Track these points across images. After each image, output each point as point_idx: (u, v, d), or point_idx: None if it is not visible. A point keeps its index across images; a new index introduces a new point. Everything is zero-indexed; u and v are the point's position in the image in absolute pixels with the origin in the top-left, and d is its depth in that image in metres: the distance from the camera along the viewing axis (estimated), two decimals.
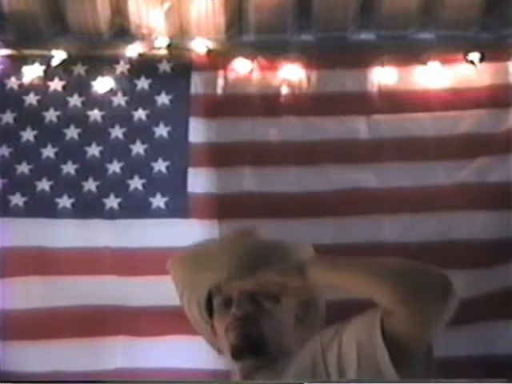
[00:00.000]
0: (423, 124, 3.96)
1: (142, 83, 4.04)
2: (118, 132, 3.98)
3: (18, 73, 4.03)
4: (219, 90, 4.03)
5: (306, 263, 1.93)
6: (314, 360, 1.86)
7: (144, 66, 4.05)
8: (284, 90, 4.02)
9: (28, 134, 3.96)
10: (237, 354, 1.98)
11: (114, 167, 3.93)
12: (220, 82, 4.04)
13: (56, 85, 4.04)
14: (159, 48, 4.04)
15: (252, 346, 1.96)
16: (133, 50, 4.04)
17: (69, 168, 3.92)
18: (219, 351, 2.12)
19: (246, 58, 4.04)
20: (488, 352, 3.60)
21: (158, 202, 3.86)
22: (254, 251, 2.03)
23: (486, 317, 3.64)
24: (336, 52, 4.09)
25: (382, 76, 4.02)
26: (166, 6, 3.93)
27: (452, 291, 1.73)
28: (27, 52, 4.05)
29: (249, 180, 3.89)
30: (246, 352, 1.97)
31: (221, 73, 4.05)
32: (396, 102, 4.00)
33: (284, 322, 2.03)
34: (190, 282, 2.09)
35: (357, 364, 1.76)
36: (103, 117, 4.00)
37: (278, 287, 1.98)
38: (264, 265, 1.98)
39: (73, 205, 3.87)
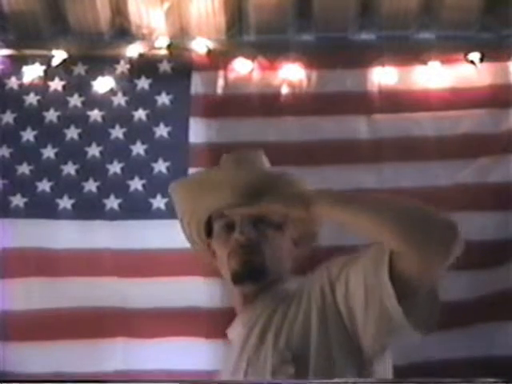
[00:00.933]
0: (423, 124, 3.95)
1: (143, 83, 4.03)
2: (118, 132, 3.98)
3: (18, 73, 4.04)
4: (219, 90, 4.03)
5: (312, 196, 1.94)
6: (322, 291, 1.89)
7: (144, 66, 4.04)
8: (284, 90, 4.02)
9: (28, 135, 3.97)
10: (238, 279, 2.02)
11: (115, 168, 3.93)
12: (220, 82, 4.03)
13: (56, 85, 4.04)
14: (159, 48, 4.04)
15: (253, 271, 2.01)
16: (133, 50, 4.04)
17: (69, 168, 3.92)
18: (215, 268, 2.16)
19: (247, 58, 4.04)
20: (488, 353, 3.60)
21: (159, 202, 3.86)
22: (257, 180, 2.06)
23: (485, 318, 3.63)
24: (336, 52, 4.08)
25: (383, 76, 4.01)
26: (166, 5, 3.92)
27: (457, 233, 1.74)
28: (27, 52, 4.05)
29: None
30: (247, 277, 2.01)
31: (221, 73, 4.04)
32: (396, 101, 3.99)
33: (283, 247, 2.08)
34: (192, 204, 2.12)
35: (364, 302, 1.79)
36: (103, 117, 4.00)
37: (282, 216, 2.03)
38: (267, 194, 2.01)
39: (73, 206, 3.87)
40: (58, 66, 4.03)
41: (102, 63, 4.05)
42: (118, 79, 4.03)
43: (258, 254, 2.01)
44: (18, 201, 3.86)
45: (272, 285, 2.03)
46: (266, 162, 2.19)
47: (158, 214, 3.82)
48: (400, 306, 1.74)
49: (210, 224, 2.11)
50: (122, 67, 4.04)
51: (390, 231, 1.74)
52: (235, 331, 2.10)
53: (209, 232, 2.13)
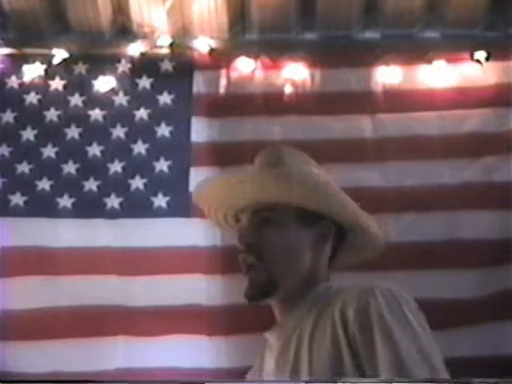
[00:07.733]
0: (428, 123, 3.91)
1: (144, 82, 4.01)
2: (119, 131, 3.94)
3: (18, 72, 4.02)
4: (222, 90, 4.00)
5: None
6: (336, 322, 1.81)
7: (146, 65, 4.02)
8: (287, 89, 3.99)
9: (28, 134, 3.93)
10: (249, 299, 1.96)
11: (116, 167, 3.89)
12: (223, 81, 4.00)
13: (57, 84, 4.01)
14: (161, 47, 4.02)
15: (260, 291, 1.94)
16: (134, 49, 4.01)
17: (69, 167, 3.89)
18: None
19: (249, 56, 4.01)
20: (495, 352, 3.55)
21: (160, 201, 3.82)
22: (285, 187, 1.99)
23: (492, 316, 3.59)
24: (340, 51, 4.05)
25: (387, 75, 3.98)
26: (168, 4, 3.91)
27: None
28: (28, 51, 4.03)
29: None
30: (256, 298, 1.96)
31: (223, 72, 4.02)
32: (401, 101, 3.96)
33: (303, 246, 1.98)
34: (217, 202, 2.09)
35: None
36: (104, 116, 3.97)
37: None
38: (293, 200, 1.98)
39: (73, 204, 3.83)
40: (58, 64, 4.01)
41: (103, 62, 4.02)
42: (120, 78, 4.01)
43: (262, 269, 1.93)
44: (17, 199, 3.82)
45: (309, 287, 1.96)
46: (307, 160, 2.17)
47: (159, 213, 3.79)
48: None
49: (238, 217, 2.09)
50: (124, 66, 4.02)
51: None
52: (276, 334, 2.00)
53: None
